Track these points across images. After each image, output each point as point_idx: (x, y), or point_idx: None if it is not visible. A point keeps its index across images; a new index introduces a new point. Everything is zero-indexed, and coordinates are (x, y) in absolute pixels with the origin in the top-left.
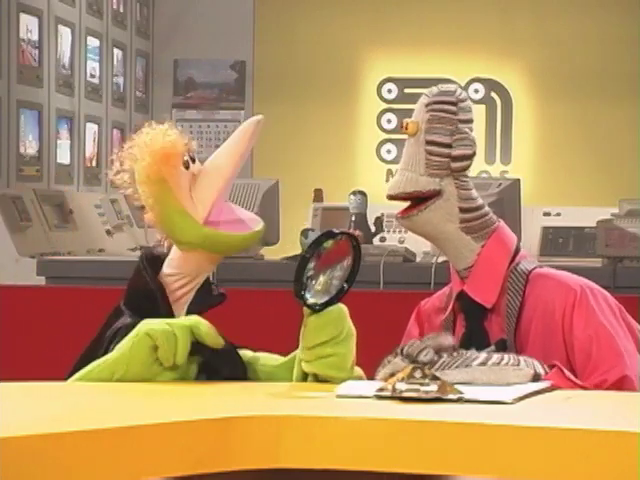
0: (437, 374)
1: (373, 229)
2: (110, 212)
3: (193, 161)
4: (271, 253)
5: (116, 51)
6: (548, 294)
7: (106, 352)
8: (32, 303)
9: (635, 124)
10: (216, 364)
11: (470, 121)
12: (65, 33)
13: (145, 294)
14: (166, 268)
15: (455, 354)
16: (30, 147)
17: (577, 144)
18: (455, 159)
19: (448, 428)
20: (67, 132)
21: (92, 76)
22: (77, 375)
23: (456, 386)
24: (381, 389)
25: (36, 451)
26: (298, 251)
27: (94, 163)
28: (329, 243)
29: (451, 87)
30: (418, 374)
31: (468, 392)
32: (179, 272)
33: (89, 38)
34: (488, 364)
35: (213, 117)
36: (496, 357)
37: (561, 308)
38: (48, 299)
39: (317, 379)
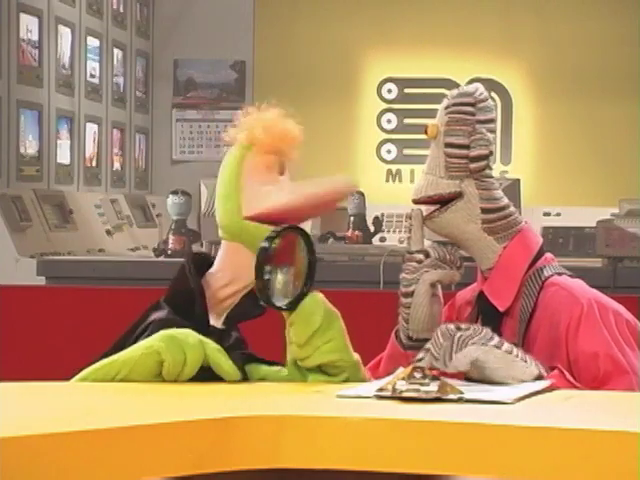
0: (459, 354)
1: (372, 229)
2: (110, 212)
3: (282, 173)
4: None
5: (116, 51)
6: (556, 305)
7: (135, 343)
8: (32, 303)
9: (635, 124)
10: None
11: (490, 121)
12: (65, 33)
13: (184, 293)
14: (213, 267)
15: (472, 327)
16: (30, 147)
17: (577, 144)
18: (473, 160)
19: (448, 428)
20: (67, 132)
21: (92, 76)
22: (85, 371)
23: (456, 386)
24: (381, 389)
25: (36, 451)
26: None
27: (94, 163)
28: (275, 242)
29: (471, 88)
30: (418, 374)
31: (468, 392)
32: (222, 270)
33: (89, 38)
34: (502, 349)
35: (213, 117)
36: (507, 345)
37: (566, 321)
38: (48, 299)
39: (322, 373)
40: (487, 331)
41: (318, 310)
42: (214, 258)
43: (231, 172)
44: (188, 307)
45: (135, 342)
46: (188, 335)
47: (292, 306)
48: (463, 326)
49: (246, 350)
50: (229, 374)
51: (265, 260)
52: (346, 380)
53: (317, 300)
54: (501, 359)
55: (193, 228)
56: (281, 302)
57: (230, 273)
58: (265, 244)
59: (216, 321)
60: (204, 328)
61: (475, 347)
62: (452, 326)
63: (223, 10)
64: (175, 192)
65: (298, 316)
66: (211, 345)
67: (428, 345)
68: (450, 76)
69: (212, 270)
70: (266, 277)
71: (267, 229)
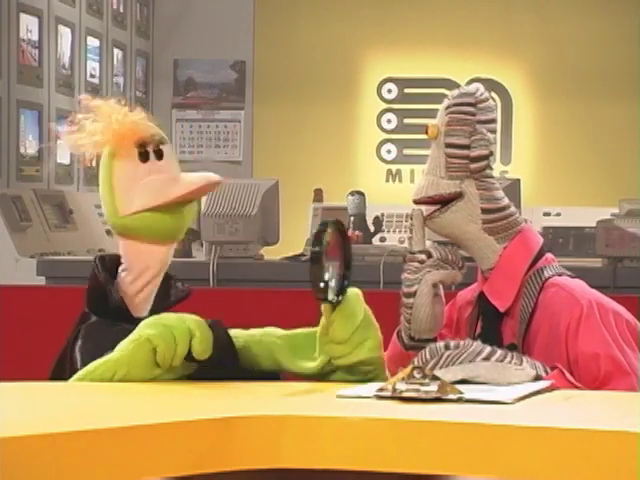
0: (442, 371)
1: (372, 229)
2: None
3: (160, 157)
4: (271, 253)
5: (116, 51)
6: (556, 305)
7: (71, 357)
8: (32, 303)
9: (635, 124)
10: (211, 367)
11: (490, 121)
12: (65, 33)
13: (99, 293)
14: (120, 267)
15: (461, 344)
16: (30, 147)
17: (577, 144)
18: (473, 160)
19: (448, 428)
20: None
21: (92, 76)
22: (79, 374)
23: (456, 386)
24: (381, 389)
25: (36, 451)
26: (298, 251)
27: (94, 163)
28: (328, 234)
29: (471, 88)
30: (418, 374)
31: (468, 392)
32: (127, 266)
33: (89, 38)
34: (492, 360)
35: (213, 117)
36: (500, 353)
37: (566, 321)
38: (48, 299)
39: (350, 373)
40: (476, 345)
41: (360, 305)
42: (119, 257)
43: (103, 176)
44: (104, 304)
45: (71, 354)
46: (168, 317)
47: (341, 297)
48: (452, 344)
49: None
50: (203, 354)
51: (322, 259)
52: (371, 380)
53: (358, 295)
54: (492, 370)
55: (191, 227)
56: (333, 296)
57: (134, 268)
58: (316, 246)
59: (140, 313)
60: (130, 320)
61: (462, 367)
62: (441, 344)
63: (223, 10)
64: None
65: (341, 312)
66: (193, 322)
67: (414, 359)
68: (450, 76)
69: (120, 267)
70: (327, 277)
71: (150, 217)
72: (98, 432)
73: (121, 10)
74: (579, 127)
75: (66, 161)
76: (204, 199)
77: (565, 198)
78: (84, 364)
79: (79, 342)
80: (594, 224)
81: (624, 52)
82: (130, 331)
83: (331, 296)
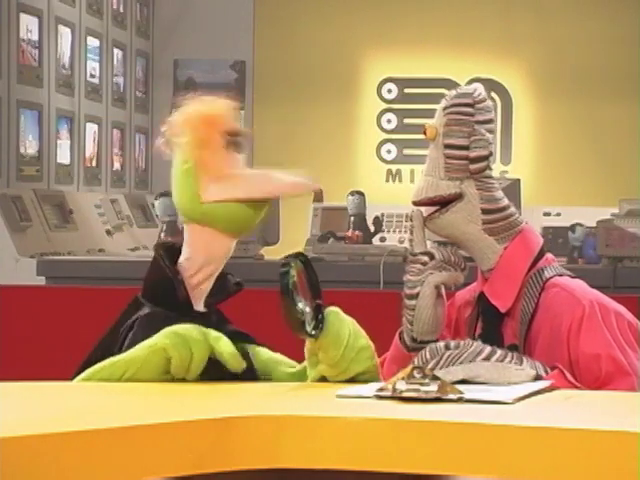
0: (442, 371)
1: (372, 229)
2: (110, 212)
3: (238, 151)
4: (271, 253)
5: (116, 51)
6: (558, 306)
7: (122, 346)
8: (32, 303)
9: (635, 124)
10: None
11: (489, 121)
12: (65, 33)
13: (163, 283)
14: (182, 255)
15: (461, 344)
16: (30, 147)
17: (577, 144)
18: (472, 161)
19: (448, 428)
20: (67, 132)
21: (92, 76)
22: (88, 371)
23: (456, 386)
24: (381, 389)
25: (36, 451)
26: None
27: (94, 163)
28: (292, 274)
29: (469, 88)
30: (418, 374)
31: (468, 392)
32: (192, 257)
33: (89, 38)
34: (492, 360)
35: None
36: (500, 353)
37: (567, 322)
38: (48, 299)
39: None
40: (477, 345)
41: (342, 323)
42: (179, 247)
43: (184, 161)
44: (167, 297)
45: (122, 342)
46: (192, 330)
47: (319, 330)
48: (452, 344)
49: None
50: (232, 364)
51: (294, 298)
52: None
53: (337, 313)
54: (492, 370)
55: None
56: (312, 330)
57: (199, 258)
58: (287, 282)
59: (197, 306)
60: (188, 314)
61: (462, 367)
62: (442, 344)
63: (223, 10)
64: (164, 194)
65: (327, 338)
66: (213, 334)
67: (414, 359)
68: (450, 76)
69: (182, 258)
70: (301, 317)
71: (229, 206)
72: (98, 432)
73: (121, 10)
74: (579, 127)
75: (66, 161)
76: None
77: (565, 198)
78: None
79: (134, 330)
80: (594, 224)
81: (624, 52)
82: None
83: (310, 330)
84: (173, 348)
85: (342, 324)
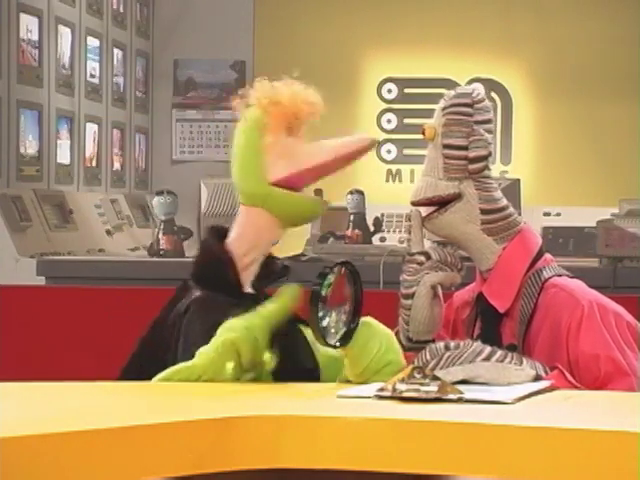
0: (442, 372)
1: (372, 229)
2: (110, 212)
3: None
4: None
5: (116, 51)
6: (557, 306)
7: (178, 332)
8: (32, 303)
9: (635, 124)
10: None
11: (487, 121)
12: (65, 33)
13: (214, 265)
14: (231, 236)
15: (461, 345)
16: (30, 147)
17: (577, 144)
18: (471, 161)
19: (448, 428)
20: (67, 132)
21: (92, 76)
22: (162, 375)
23: (456, 386)
24: (381, 389)
25: (36, 451)
26: (298, 251)
27: (94, 163)
28: (330, 279)
29: (468, 88)
30: (418, 374)
31: (468, 392)
32: (240, 238)
33: (89, 38)
34: (492, 360)
35: (213, 117)
36: (500, 353)
37: (567, 322)
38: (48, 299)
39: None
40: (476, 345)
41: (374, 337)
42: (228, 229)
43: (250, 137)
44: (218, 279)
45: (173, 328)
46: (240, 322)
47: (345, 342)
48: (452, 345)
49: None
50: (289, 304)
51: (319, 304)
52: None
53: (370, 327)
54: (492, 370)
55: (183, 225)
56: (333, 340)
57: (248, 240)
58: (318, 289)
59: (246, 288)
60: (238, 295)
61: (462, 367)
62: (441, 345)
63: (223, 10)
64: (160, 192)
65: (352, 349)
66: (265, 317)
67: (414, 359)
68: (450, 76)
69: (230, 239)
70: (324, 324)
71: (293, 196)
72: (98, 432)
73: (121, 10)
74: (579, 127)
75: (66, 161)
76: (204, 199)
77: (565, 198)
78: (193, 341)
79: (189, 314)
80: (594, 224)
81: (624, 52)
82: (239, 307)
83: (332, 341)
84: (242, 342)
85: (373, 337)
